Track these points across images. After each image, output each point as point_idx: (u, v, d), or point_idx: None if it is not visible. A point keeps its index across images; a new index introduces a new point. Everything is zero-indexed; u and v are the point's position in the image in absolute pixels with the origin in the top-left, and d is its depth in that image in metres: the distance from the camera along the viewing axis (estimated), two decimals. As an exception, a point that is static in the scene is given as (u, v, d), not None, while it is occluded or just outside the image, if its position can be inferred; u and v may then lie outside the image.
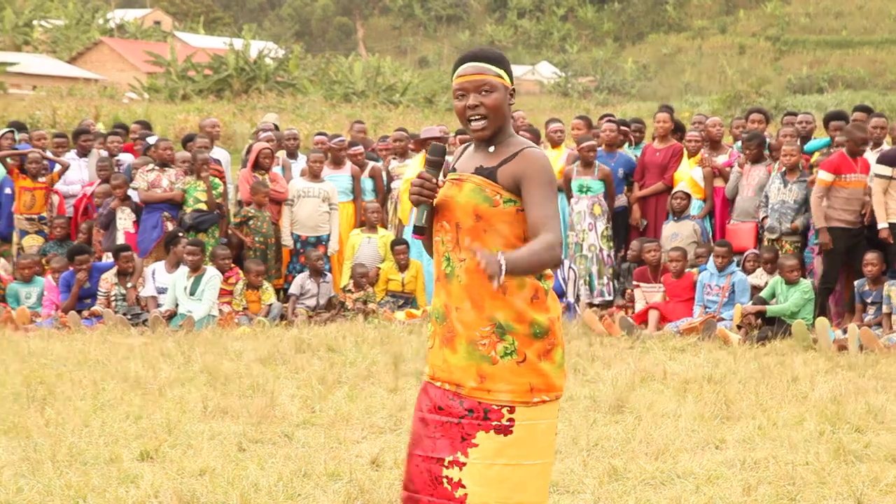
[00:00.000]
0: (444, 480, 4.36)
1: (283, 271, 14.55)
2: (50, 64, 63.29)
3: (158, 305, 13.50)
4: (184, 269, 13.41)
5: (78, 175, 15.38)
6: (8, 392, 9.30)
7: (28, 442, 7.61)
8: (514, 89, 4.50)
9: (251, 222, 14.20)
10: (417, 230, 4.50)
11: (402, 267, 14.31)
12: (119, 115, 31.05)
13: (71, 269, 13.75)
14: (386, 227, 14.90)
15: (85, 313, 13.44)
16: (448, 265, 4.45)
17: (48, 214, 14.96)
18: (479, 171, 4.42)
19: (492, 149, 4.46)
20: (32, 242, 14.75)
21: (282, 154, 15.27)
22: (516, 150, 4.41)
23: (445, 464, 4.36)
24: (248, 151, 15.61)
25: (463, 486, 4.33)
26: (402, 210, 14.69)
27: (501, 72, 4.45)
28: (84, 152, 15.80)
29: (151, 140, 15.40)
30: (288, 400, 8.93)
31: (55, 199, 15.14)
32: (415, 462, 4.45)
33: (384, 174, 15.12)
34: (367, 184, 15.02)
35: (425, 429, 4.44)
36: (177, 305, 13.37)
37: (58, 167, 15.10)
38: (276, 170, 14.70)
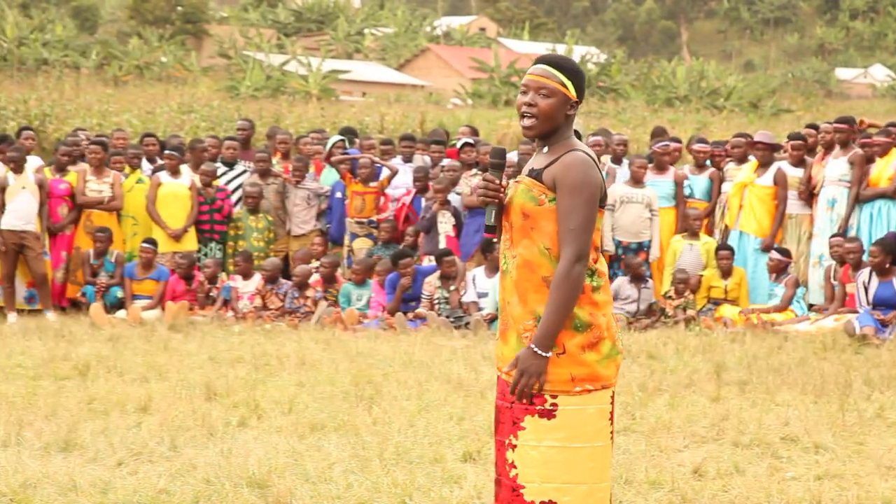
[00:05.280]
0: (507, 462, 4.65)
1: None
2: (379, 71, 65.20)
3: (480, 309, 13.72)
4: (505, 274, 13.55)
5: (403, 180, 15.75)
6: (338, 391, 9.62)
7: (357, 440, 7.84)
8: (577, 101, 4.69)
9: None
10: (488, 229, 4.78)
11: (725, 273, 14.03)
12: (443, 120, 31.63)
13: (395, 271, 14.12)
14: (711, 233, 14.70)
15: (409, 315, 13.78)
16: (504, 262, 4.72)
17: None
18: (530, 172, 4.68)
19: (546, 149, 4.70)
20: (362, 245, 15.18)
21: (607, 159, 15.25)
22: (561, 154, 4.62)
23: (506, 445, 4.65)
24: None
25: (514, 467, 4.60)
26: (729, 215, 14.47)
27: (567, 81, 4.68)
28: (408, 158, 16.19)
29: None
30: (608, 406, 8.89)
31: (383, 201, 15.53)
32: (496, 447, 4.75)
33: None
34: (703, 184, 14.88)
35: (498, 415, 4.74)
36: (497, 309, 13.54)
37: (387, 172, 15.50)
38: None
